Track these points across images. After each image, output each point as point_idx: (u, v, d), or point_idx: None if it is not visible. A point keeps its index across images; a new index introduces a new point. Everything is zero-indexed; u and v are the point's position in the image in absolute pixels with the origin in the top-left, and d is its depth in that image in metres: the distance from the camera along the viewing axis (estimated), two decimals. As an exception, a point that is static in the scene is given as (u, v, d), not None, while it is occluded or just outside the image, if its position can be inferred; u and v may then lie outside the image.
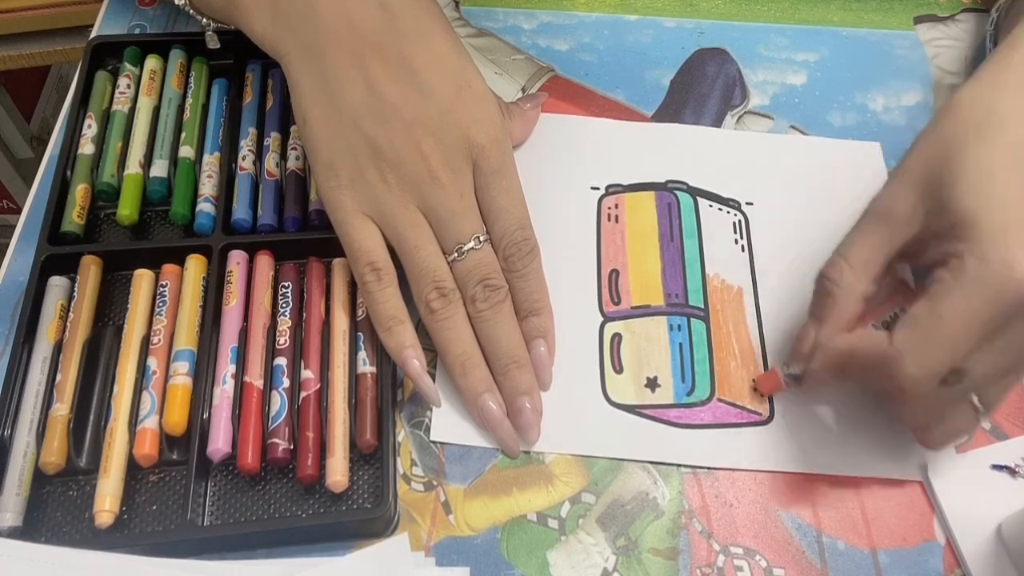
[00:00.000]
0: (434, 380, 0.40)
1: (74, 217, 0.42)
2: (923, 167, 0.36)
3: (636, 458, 0.39)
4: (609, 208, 0.46)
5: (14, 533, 0.35)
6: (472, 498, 0.38)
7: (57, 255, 0.41)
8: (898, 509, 0.38)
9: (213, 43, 0.45)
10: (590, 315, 0.43)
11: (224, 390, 0.38)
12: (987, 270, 0.32)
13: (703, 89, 0.51)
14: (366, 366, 0.39)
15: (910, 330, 0.34)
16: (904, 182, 0.37)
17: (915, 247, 0.36)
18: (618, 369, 0.41)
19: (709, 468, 0.39)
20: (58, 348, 0.39)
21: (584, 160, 0.48)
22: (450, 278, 0.39)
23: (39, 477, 0.36)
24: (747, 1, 0.55)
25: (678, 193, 0.47)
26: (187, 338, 0.39)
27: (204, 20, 0.44)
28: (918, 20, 0.55)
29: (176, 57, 0.47)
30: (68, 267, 0.41)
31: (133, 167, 0.44)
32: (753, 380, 0.41)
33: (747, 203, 0.47)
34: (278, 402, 0.38)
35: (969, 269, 0.33)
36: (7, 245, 0.44)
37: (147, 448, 0.36)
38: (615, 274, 0.44)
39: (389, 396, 0.38)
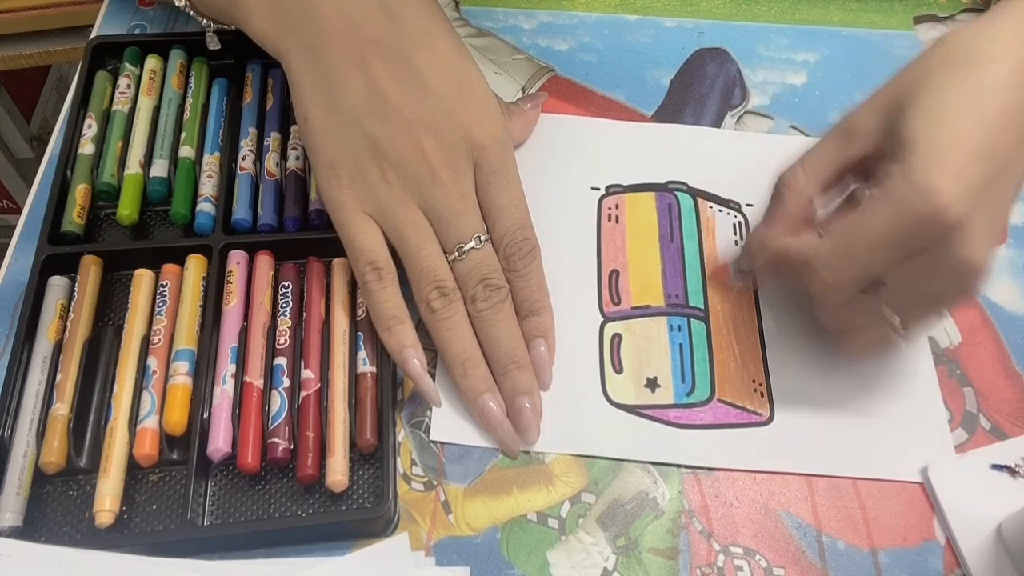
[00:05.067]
0: (434, 380, 0.40)
1: (74, 217, 0.42)
2: (892, 92, 0.36)
3: (636, 458, 0.39)
4: (609, 208, 0.46)
5: (14, 533, 0.35)
6: (472, 498, 0.38)
7: (57, 255, 0.41)
8: (898, 509, 0.38)
9: (213, 44, 0.45)
10: (590, 315, 0.43)
11: (224, 390, 0.38)
12: (909, 192, 0.33)
13: (703, 89, 0.51)
14: (366, 366, 0.39)
15: (830, 239, 0.36)
16: (871, 103, 0.37)
17: (869, 165, 0.37)
18: (618, 369, 0.41)
19: (709, 468, 0.39)
20: (58, 348, 0.39)
21: (584, 160, 0.48)
22: (451, 278, 0.39)
23: (39, 477, 0.36)
24: (747, 1, 0.55)
25: (678, 194, 0.47)
26: (187, 338, 0.39)
27: (204, 21, 0.44)
28: (918, 20, 0.55)
29: (176, 57, 0.47)
30: (68, 267, 0.41)
31: (133, 167, 0.44)
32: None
33: (747, 204, 0.47)
34: (278, 402, 0.38)
35: (895, 189, 0.33)
36: (7, 245, 0.44)
37: (147, 448, 0.36)
38: (615, 274, 0.44)
39: (389, 396, 0.38)
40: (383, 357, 0.39)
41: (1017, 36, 0.35)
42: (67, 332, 0.39)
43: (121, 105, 0.45)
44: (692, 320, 0.43)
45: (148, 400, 0.37)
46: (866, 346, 0.39)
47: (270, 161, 0.44)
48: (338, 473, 0.36)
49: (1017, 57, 0.34)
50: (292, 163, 0.44)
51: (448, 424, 0.40)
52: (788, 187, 0.39)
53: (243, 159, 0.44)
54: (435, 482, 0.38)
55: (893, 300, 0.36)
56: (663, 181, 0.47)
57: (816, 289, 0.36)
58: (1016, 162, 0.34)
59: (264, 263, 0.42)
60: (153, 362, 0.38)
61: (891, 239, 0.33)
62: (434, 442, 0.39)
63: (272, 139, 0.45)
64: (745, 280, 0.42)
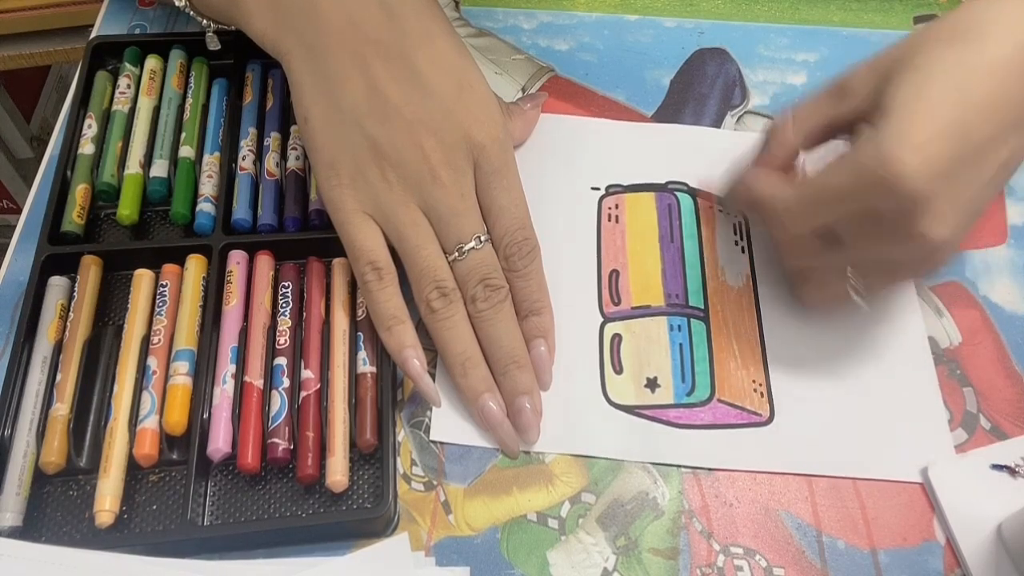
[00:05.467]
0: (434, 380, 0.40)
1: (74, 217, 0.42)
2: (890, 57, 0.37)
3: (636, 458, 0.39)
4: (609, 208, 0.46)
5: (14, 533, 0.35)
6: (472, 498, 0.38)
7: (57, 255, 0.41)
8: (898, 509, 0.38)
9: (213, 44, 0.45)
10: (590, 315, 0.43)
11: (224, 390, 0.38)
12: (872, 158, 0.33)
13: (703, 89, 0.51)
14: (366, 366, 0.39)
15: (797, 189, 0.37)
16: (869, 64, 0.38)
17: (855, 124, 0.37)
18: (618, 369, 0.41)
19: (709, 468, 0.39)
20: (58, 348, 0.39)
21: (584, 160, 0.48)
22: (451, 278, 0.39)
23: (39, 477, 0.36)
24: (747, 1, 0.55)
25: (678, 194, 0.47)
26: (187, 338, 0.39)
27: (204, 21, 0.44)
28: (918, 20, 0.55)
29: (176, 57, 0.47)
30: (68, 267, 0.41)
31: (133, 167, 0.44)
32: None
33: (747, 203, 0.47)
34: (278, 402, 0.38)
35: (861, 151, 0.34)
36: (7, 245, 0.44)
37: (147, 448, 0.36)
38: (615, 274, 0.44)
39: (389, 396, 0.38)
40: (383, 357, 0.39)
41: (1011, 20, 0.35)
42: (67, 332, 0.39)
43: (121, 105, 0.45)
44: (692, 320, 0.43)
45: (148, 400, 0.37)
46: (822, 299, 0.41)
47: (270, 161, 0.44)
48: (338, 473, 0.36)
49: (1017, 40, 0.34)
50: (292, 163, 0.44)
51: (448, 424, 0.40)
52: (775, 135, 0.40)
53: (243, 159, 0.44)
54: (435, 482, 0.38)
55: (853, 260, 0.37)
56: (663, 181, 0.47)
57: (775, 234, 0.40)
58: (993, 149, 0.34)
59: (264, 263, 0.42)
60: (153, 362, 0.38)
61: (848, 198, 0.35)
62: (434, 442, 0.39)
63: (272, 139, 0.45)
64: (726, 209, 0.46)
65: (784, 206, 0.37)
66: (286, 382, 0.38)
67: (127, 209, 0.42)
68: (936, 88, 0.34)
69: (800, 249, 0.39)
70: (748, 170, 0.41)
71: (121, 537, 0.36)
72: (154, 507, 0.37)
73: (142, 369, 0.38)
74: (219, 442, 0.36)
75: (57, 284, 0.41)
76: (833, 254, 0.38)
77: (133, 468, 0.37)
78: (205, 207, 0.42)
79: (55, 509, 0.36)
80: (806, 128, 0.40)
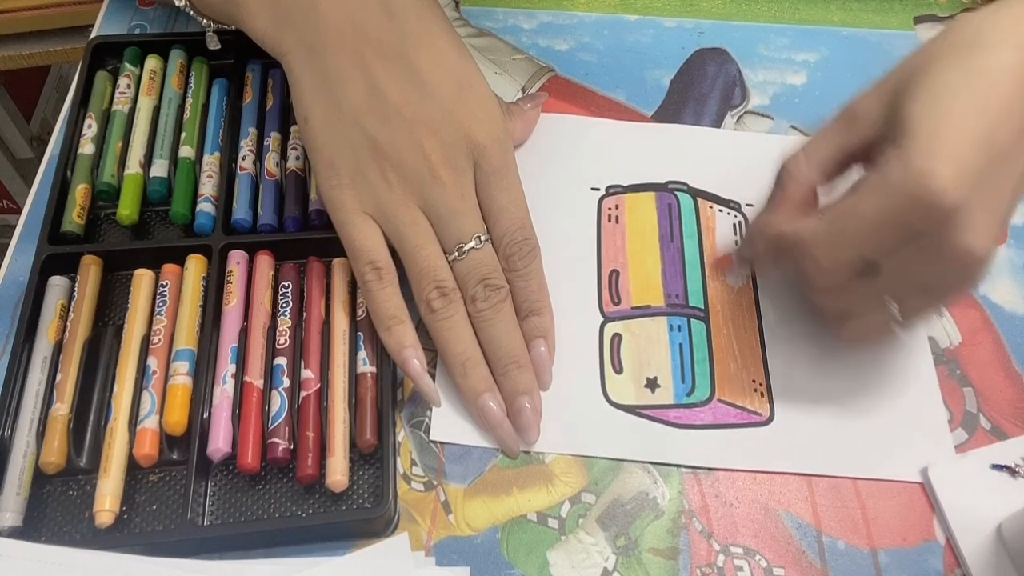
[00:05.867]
0: (434, 380, 0.40)
1: (74, 217, 0.42)
2: (896, 78, 0.36)
3: (636, 458, 0.39)
4: (609, 208, 0.46)
5: (14, 533, 0.35)
6: (472, 498, 0.38)
7: (57, 255, 0.41)
8: (898, 509, 0.38)
9: (213, 44, 0.45)
10: (590, 315, 0.43)
11: (224, 390, 0.38)
12: (905, 177, 0.32)
13: (703, 89, 0.51)
14: (366, 366, 0.39)
15: (826, 220, 0.35)
16: (875, 89, 0.37)
17: (872, 151, 0.37)
18: (618, 369, 0.41)
19: (709, 468, 0.39)
20: (58, 348, 0.39)
21: (584, 160, 0.48)
22: (451, 277, 0.39)
23: (39, 477, 0.36)
24: (747, 1, 0.55)
25: (678, 194, 0.47)
26: (187, 338, 0.39)
27: (204, 21, 0.44)
28: (918, 20, 0.55)
29: (176, 57, 0.47)
30: (68, 267, 0.41)
31: (133, 167, 0.44)
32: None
33: (747, 204, 0.47)
34: (278, 402, 0.38)
35: (891, 173, 0.33)
36: (7, 245, 0.44)
37: (147, 448, 0.36)
38: (615, 274, 0.44)
39: (389, 396, 0.38)
40: (383, 357, 0.39)
41: (1022, 24, 0.34)
42: (67, 332, 0.39)
43: (121, 105, 0.45)
44: (692, 320, 0.43)
45: (148, 400, 0.37)
46: (864, 333, 0.39)
47: (270, 161, 0.44)
48: (338, 473, 0.36)
49: (1021, 45, 0.34)
50: (292, 163, 0.44)
51: (448, 424, 0.40)
52: (789, 174, 0.39)
53: (243, 159, 0.44)
54: (435, 482, 0.38)
55: (891, 287, 0.35)
56: (663, 181, 0.47)
57: (810, 271, 0.36)
58: (1018, 152, 0.33)
59: (264, 263, 0.42)
60: (153, 362, 0.38)
61: (885, 223, 0.33)
62: (434, 442, 0.39)
63: (272, 139, 0.45)
64: (744, 269, 0.43)
65: (816, 239, 0.35)
66: (286, 382, 0.38)
67: (127, 209, 0.42)
68: (955, 98, 0.33)
69: (833, 283, 0.36)
70: (765, 217, 0.40)
71: (121, 537, 0.36)
72: (154, 507, 0.37)
73: (142, 369, 0.38)
74: (219, 442, 0.36)
75: (57, 284, 0.41)
76: (869, 285, 0.36)
77: (133, 468, 0.37)
78: (205, 207, 0.42)
79: (55, 509, 0.36)
80: (819, 161, 0.38)
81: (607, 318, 0.43)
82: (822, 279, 0.36)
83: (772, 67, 0.52)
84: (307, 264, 0.42)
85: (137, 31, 0.52)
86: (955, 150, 0.32)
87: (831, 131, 0.38)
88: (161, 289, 0.40)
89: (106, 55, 0.48)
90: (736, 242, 0.46)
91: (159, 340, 0.39)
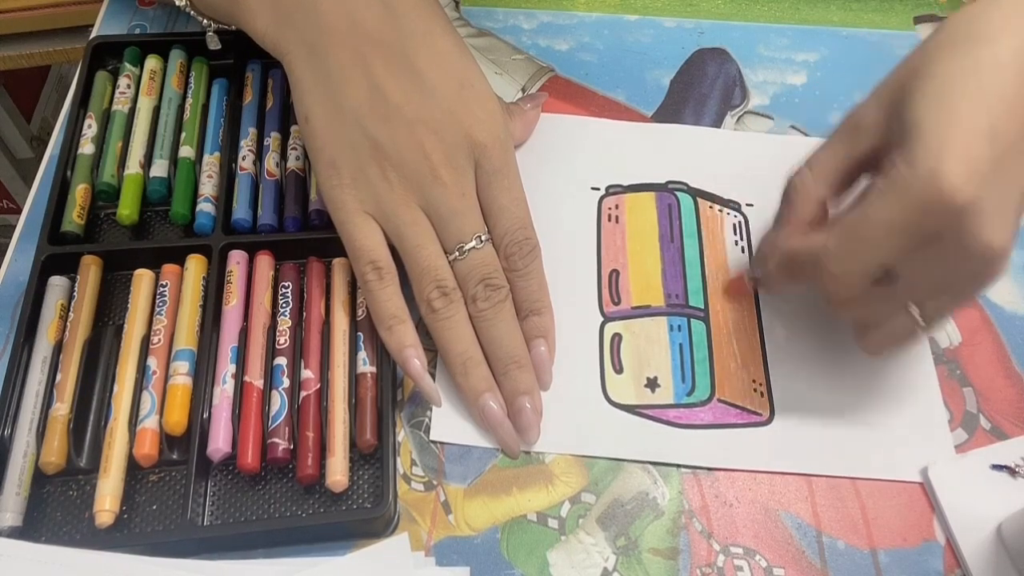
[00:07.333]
0: (434, 380, 0.40)
1: (74, 217, 0.42)
2: (895, 81, 0.36)
3: (636, 458, 0.39)
4: (609, 208, 0.46)
5: (14, 533, 0.35)
6: (472, 498, 0.38)
7: (57, 255, 0.41)
8: (898, 509, 0.38)
9: (214, 44, 0.45)
10: (590, 315, 0.43)
11: (224, 390, 0.38)
12: (914, 177, 0.32)
13: (703, 89, 0.51)
14: (366, 366, 0.39)
15: (838, 230, 0.34)
16: (875, 95, 0.36)
17: (878, 158, 0.36)
18: (618, 369, 0.41)
19: (709, 468, 0.39)
20: (58, 348, 0.39)
21: (584, 160, 0.48)
22: (451, 277, 0.39)
23: (39, 477, 0.36)
24: (747, 1, 0.55)
25: (678, 194, 0.47)
26: (187, 338, 0.39)
27: (205, 21, 0.44)
28: (918, 20, 0.55)
29: (176, 57, 0.47)
30: (68, 267, 0.41)
31: (133, 167, 0.44)
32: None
33: (747, 204, 0.47)
34: (278, 402, 0.38)
35: (900, 176, 0.32)
36: (7, 245, 0.44)
37: (147, 448, 0.36)
38: (615, 274, 0.44)
39: (389, 396, 0.38)
40: (383, 357, 0.39)
41: (1019, 13, 0.34)
42: (67, 332, 0.39)
43: (121, 105, 0.45)
44: (692, 320, 0.43)
45: (148, 400, 0.37)
46: (888, 341, 0.37)
47: (270, 161, 0.44)
48: (338, 473, 0.36)
49: (1020, 34, 0.33)
50: (292, 163, 0.44)
51: (448, 424, 0.40)
52: (796, 189, 0.38)
53: (243, 159, 0.44)
54: (435, 482, 0.38)
55: (910, 291, 0.35)
56: (663, 181, 0.47)
57: (827, 284, 0.35)
58: None
59: (264, 263, 0.42)
60: (153, 362, 0.38)
61: (898, 228, 0.32)
62: (434, 442, 0.39)
63: (272, 139, 0.45)
64: (761, 286, 0.42)
65: (831, 252, 0.35)
66: (286, 382, 0.38)
67: (127, 209, 0.42)
68: (956, 94, 0.33)
69: (851, 294, 0.36)
70: (775, 234, 0.39)
71: (121, 537, 0.36)
72: (154, 507, 0.37)
73: (142, 369, 0.38)
74: (219, 442, 0.36)
75: (57, 284, 0.41)
76: (888, 292, 0.35)
77: (133, 468, 0.37)
78: (205, 207, 0.42)
79: (55, 509, 0.36)
80: (826, 174, 0.37)
81: (607, 318, 0.43)
82: (841, 292, 0.36)
83: (772, 67, 0.52)
84: (307, 264, 0.42)
85: (137, 31, 0.52)
86: (962, 147, 0.31)
87: (835, 143, 0.37)
88: (161, 289, 0.40)
89: (106, 55, 0.48)
90: (736, 242, 0.46)
91: (159, 340, 0.39)
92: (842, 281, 0.35)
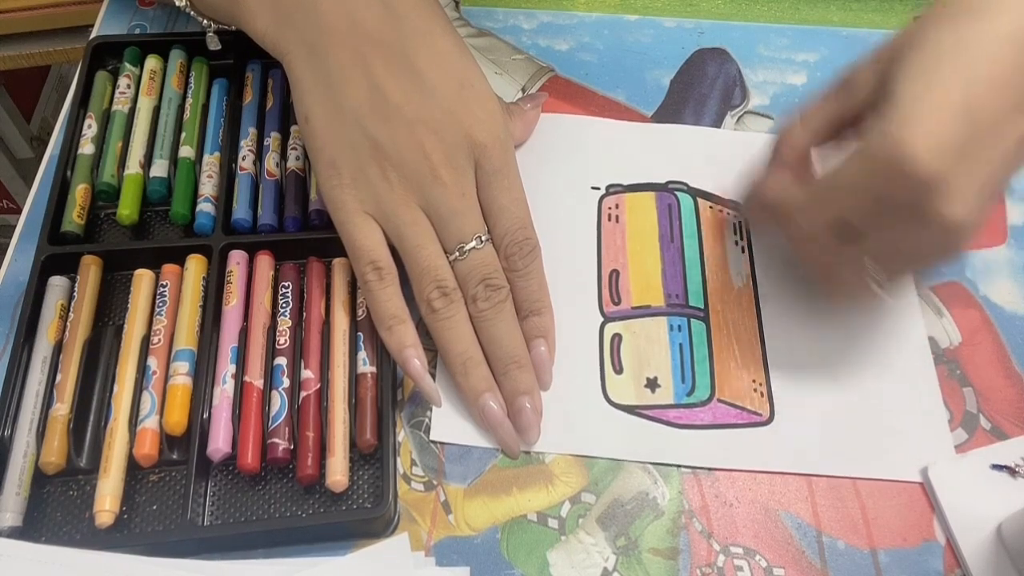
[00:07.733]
0: (434, 380, 0.40)
1: (74, 217, 0.42)
2: (893, 45, 0.36)
3: (636, 459, 0.39)
4: (609, 208, 0.46)
5: (14, 533, 0.35)
6: (472, 498, 0.38)
7: (57, 255, 0.41)
8: (898, 509, 0.38)
9: (214, 44, 0.46)
10: (590, 315, 0.43)
11: (224, 390, 0.38)
12: (882, 145, 0.32)
13: (703, 89, 0.51)
14: (366, 366, 0.39)
15: (808, 187, 0.37)
16: (872, 57, 0.37)
17: (864, 117, 0.37)
18: (618, 369, 0.41)
19: (709, 468, 0.39)
20: (58, 348, 0.39)
21: (584, 160, 0.48)
22: (451, 277, 0.39)
23: (39, 477, 0.36)
24: (747, 1, 0.55)
25: (678, 194, 0.47)
26: (187, 338, 0.39)
27: (205, 21, 0.44)
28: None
29: (176, 57, 0.47)
30: (68, 267, 0.41)
31: (133, 167, 0.44)
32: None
33: (747, 203, 0.47)
34: (278, 402, 0.38)
35: (871, 141, 0.33)
36: (7, 245, 0.44)
37: (147, 448, 0.36)
38: (615, 274, 0.44)
39: (389, 396, 0.38)
40: (383, 357, 0.39)
41: None
42: (67, 332, 0.39)
43: (121, 105, 0.45)
44: (692, 320, 0.43)
45: (148, 400, 0.37)
46: (851, 294, 0.40)
47: (270, 161, 0.44)
48: (338, 473, 0.36)
49: (1018, 11, 0.33)
50: (292, 163, 0.44)
51: (448, 424, 0.40)
52: (783, 135, 0.40)
53: (243, 159, 0.44)
54: (435, 482, 0.38)
55: (874, 252, 0.36)
56: (663, 181, 0.47)
57: (790, 234, 0.38)
58: (1009, 123, 0.33)
59: (264, 263, 0.42)
60: (153, 362, 0.38)
61: (862, 189, 0.34)
62: (434, 442, 0.39)
63: (272, 139, 0.45)
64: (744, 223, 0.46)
65: (797, 204, 0.37)
66: (286, 382, 0.38)
67: (127, 209, 0.42)
68: (942, 66, 0.33)
69: (814, 247, 0.38)
70: (759, 173, 0.41)
71: (121, 537, 0.36)
72: (154, 507, 0.37)
73: (142, 369, 0.38)
74: (219, 442, 0.36)
75: (57, 284, 0.41)
76: (850, 248, 0.36)
77: (133, 468, 0.37)
78: (205, 207, 0.42)
79: (55, 509, 0.36)
80: (814, 126, 0.39)
81: (607, 318, 0.43)
82: (801, 242, 0.38)
83: (772, 67, 0.52)
84: (307, 264, 0.42)
85: (137, 31, 0.52)
86: (933, 120, 0.32)
87: (827, 97, 0.39)
88: (161, 289, 0.40)
89: (106, 55, 0.48)
90: (736, 242, 0.46)
91: (159, 340, 0.39)
92: (805, 233, 0.37)
